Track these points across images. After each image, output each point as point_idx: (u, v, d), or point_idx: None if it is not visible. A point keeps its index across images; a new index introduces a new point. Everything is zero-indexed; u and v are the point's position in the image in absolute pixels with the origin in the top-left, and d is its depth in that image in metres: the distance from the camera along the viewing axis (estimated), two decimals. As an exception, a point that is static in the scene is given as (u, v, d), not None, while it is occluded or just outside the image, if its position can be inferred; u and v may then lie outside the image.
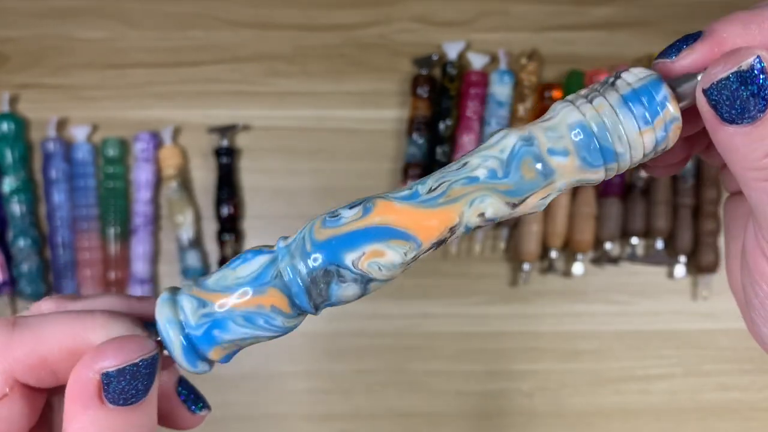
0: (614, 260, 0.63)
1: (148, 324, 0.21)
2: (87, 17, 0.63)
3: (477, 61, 0.63)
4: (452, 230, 0.20)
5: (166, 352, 0.20)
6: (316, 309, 0.20)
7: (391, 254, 0.20)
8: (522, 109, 0.62)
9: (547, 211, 0.61)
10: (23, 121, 0.61)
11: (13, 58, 0.62)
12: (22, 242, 0.59)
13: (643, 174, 0.61)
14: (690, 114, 0.21)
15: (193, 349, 0.20)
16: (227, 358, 0.21)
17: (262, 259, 0.20)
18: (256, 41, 0.63)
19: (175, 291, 0.21)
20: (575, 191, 0.62)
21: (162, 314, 0.20)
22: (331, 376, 0.63)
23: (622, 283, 0.64)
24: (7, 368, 0.19)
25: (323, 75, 0.63)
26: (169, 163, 0.61)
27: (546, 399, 0.63)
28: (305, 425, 0.63)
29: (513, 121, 0.62)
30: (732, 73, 0.19)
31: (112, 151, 0.61)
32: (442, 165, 0.21)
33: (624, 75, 0.20)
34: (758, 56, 0.19)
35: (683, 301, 0.64)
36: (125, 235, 0.61)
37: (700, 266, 0.62)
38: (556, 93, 0.62)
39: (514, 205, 0.20)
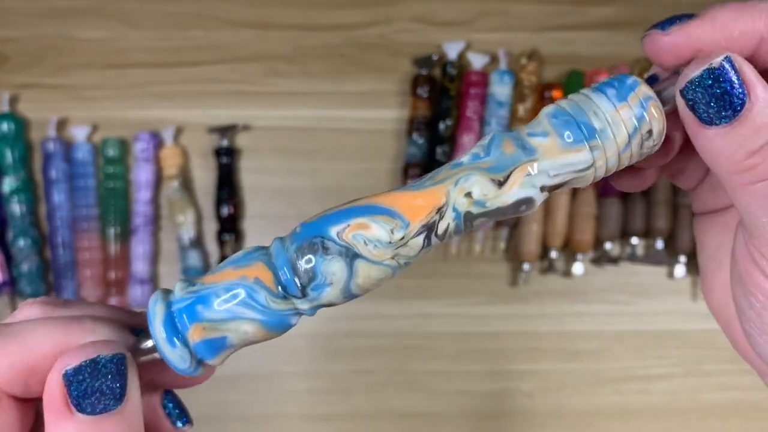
0: (614, 260, 0.63)
1: (138, 331, 0.20)
2: (87, 17, 0.63)
3: (477, 61, 0.63)
4: (440, 212, 0.20)
5: (157, 356, 0.19)
6: (303, 293, 0.20)
7: (377, 228, 0.20)
8: (522, 109, 0.62)
9: (547, 211, 0.61)
10: (23, 121, 0.61)
11: (13, 58, 0.62)
12: (22, 242, 0.59)
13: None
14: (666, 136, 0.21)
15: (173, 325, 0.19)
16: (210, 350, 0.20)
17: (254, 249, 0.21)
18: (256, 41, 0.63)
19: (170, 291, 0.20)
20: (575, 191, 0.62)
21: (154, 295, 0.20)
22: (331, 376, 0.63)
23: (622, 283, 0.64)
24: None
25: (323, 75, 0.63)
26: (171, 162, 0.61)
27: (546, 399, 0.63)
28: (305, 425, 0.63)
29: (513, 121, 0.62)
30: (704, 70, 0.19)
31: (112, 151, 0.61)
32: (441, 165, 0.21)
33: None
34: (727, 55, 0.19)
35: (683, 301, 0.64)
36: (125, 235, 0.61)
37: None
38: (556, 93, 0.62)
39: (500, 183, 0.20)
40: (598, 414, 0.64)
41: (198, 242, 0.62)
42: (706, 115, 0.19)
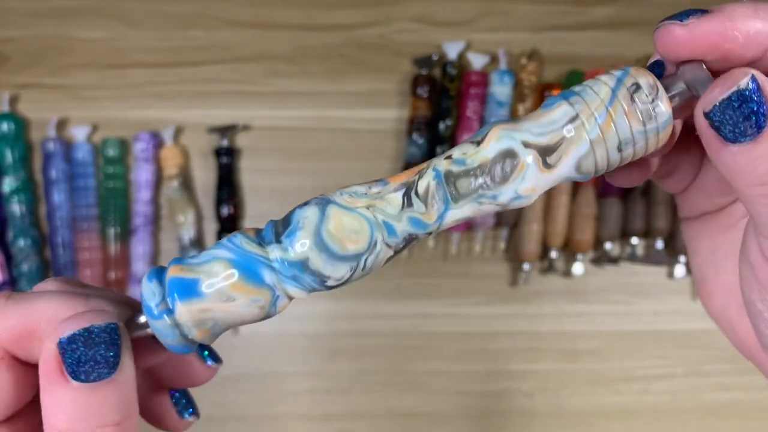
0: (614, 260, 0.63)
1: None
2: (87, 17, 0.63)
3: (477, 61, 0.63)
4: (419, 173, 0.20)
5: (150, 331, 0.20)
6: (277, 239, 0.20)
7: (357, 186, 0.20)
8: (522, 109, 0.62)
9: (547, 211, 0.61)
10: (23, 121, 0.61)
11: (13, 58, 0.62)
12: (22, 242, 0.59)
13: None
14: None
15: (158, 273, 0.20)
16: (181, 289, 0.19)
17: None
18: (256, 41, 0.63)
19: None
20: (575, 191, 0.62)
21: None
22: (331, 376, 0.63)
23: (622, 283, 0.64)
24: None
25: (323, 75, 0.63)
26: (171, 162, 0.61)
27: (546, 399, 0.63)
28: (305, 425, 0.63)
29: (513, 121, 0.62)
30: (733, 93, 0.19)
31: (112, 151, 0.61)
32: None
33: None
34: (752, 75, 0.19)
35: (683, 301, 0.64)
36: (125, 235, 0.61)
37: (700, 266, 0.62)
38: (556, 93, 0.61)
39: (478, 143, 0.20)
40: (598, 414, 0.64)
41: (198, 242, 0.62)
42: (731, 135, 0.19)
